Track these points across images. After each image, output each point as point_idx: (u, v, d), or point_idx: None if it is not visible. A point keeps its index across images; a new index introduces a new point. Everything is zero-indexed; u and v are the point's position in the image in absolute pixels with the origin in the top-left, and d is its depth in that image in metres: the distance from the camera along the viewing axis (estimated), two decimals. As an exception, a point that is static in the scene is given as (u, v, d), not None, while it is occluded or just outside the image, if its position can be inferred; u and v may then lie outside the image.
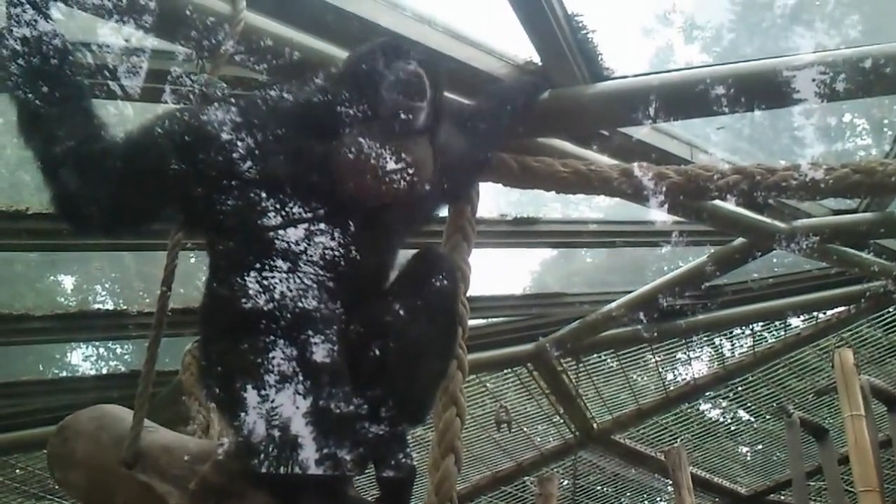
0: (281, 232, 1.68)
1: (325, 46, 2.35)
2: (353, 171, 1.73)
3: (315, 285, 1.64)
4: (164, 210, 1.79)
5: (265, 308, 1.57)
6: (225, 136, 1.71)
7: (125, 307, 4.09)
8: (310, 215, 1.71)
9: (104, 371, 10.48)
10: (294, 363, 1.54)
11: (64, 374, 9.89)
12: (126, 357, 10.14)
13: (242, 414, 1.51)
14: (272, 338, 1.55)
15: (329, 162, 1.74)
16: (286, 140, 1.74)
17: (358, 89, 1.83)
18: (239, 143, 1.71)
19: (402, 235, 1.99)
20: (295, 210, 1.71)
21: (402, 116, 1.80)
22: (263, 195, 1.69)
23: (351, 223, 1.75)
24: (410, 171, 1.78)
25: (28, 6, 1.69)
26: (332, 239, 1.72)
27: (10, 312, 3.88)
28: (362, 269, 1.76)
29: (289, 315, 1.58)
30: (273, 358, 1.53)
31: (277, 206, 1.69)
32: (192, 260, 1.79)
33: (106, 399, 1.98)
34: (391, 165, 1.76)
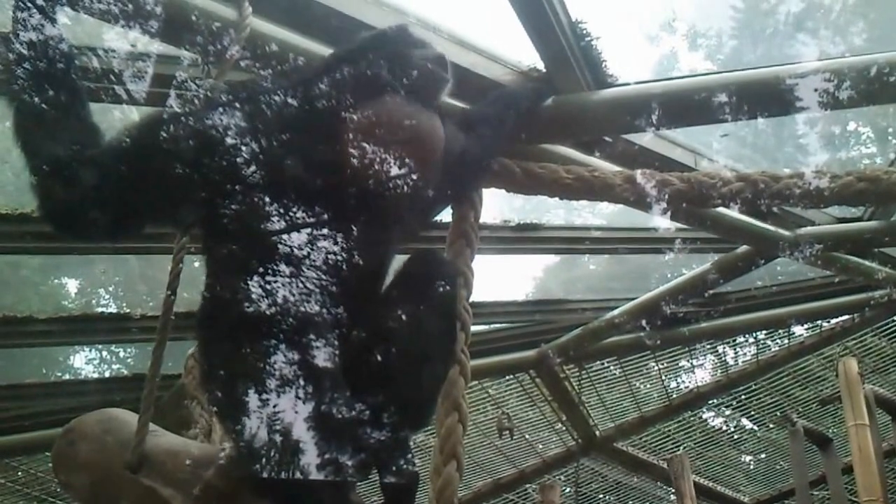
0: (282, 234, 1.67)
1: (330, 52, 2.36)
2: (377, 138, 1.76)
3: (314, 288, 1.64)
4: (169, 213, 1.80)
5: (264, 312, 1.57)
6: (222, 135, 1.69)
7: (129, 311, 4.09)
8: (311, 217, 1.71)
9: (107, 374, 10.51)
10: (293, 367, 1.53)
11: (67, 377, 9.90)
12: (129, 360, 10.15)
13: (241, 419, 1.51)
14: (271, 342, 1.54)
15: (344, 138, 1.75)
16: (288, 133, 1.73)
17: (381, 63, 1.86)
18: (239, 139, 1.69)
19: (402, 237, 1.99)
20: (296, 211, 1.70)
21: (434, 86, 1.90)
22: (264, 194, 1.68)
23: (352, 224, 1.74)
24: (426, 143, 1.83)
25: (34, 10, 1.70)
26: (333, 242, 1.72)
27: (14, 315, 3.88)
28: (360, 271, 1.75)
29: (287, 319, 1.57)
30: (272, 362, 1.53)
31: (277, 206, 1.68)
32: (197, 264, 1.79)
33: (109, 402, 1.98)
34: (411, 135, 1.80)
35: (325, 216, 1.72)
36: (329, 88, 1.81)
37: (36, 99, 1.66)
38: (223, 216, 1.66)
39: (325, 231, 1.71)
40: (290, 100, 1.78)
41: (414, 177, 1.80)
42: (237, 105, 1.74)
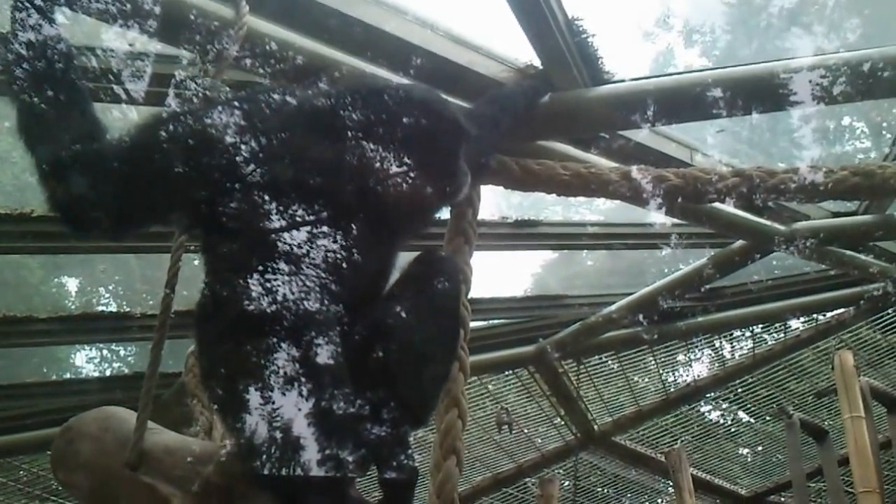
0: (283, 233, 1.68)
1: (328, 51, 2.37)
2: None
3: (316, 287, 1.64)
4: (171, 212, 1.81)
5: (265, 310, 1.57)
6: (229, 137, 1.71)
7: (129, 309, 4.10)
8: (311, 216, 1.72)
9: (108, 373, 10.52)
10: (292, 365, 1.54)
11: (68, 375, 9.89)
12: (129, 359, 10.16)
13: (241, 416, 1.52)
14: (270, 340, 1.55)
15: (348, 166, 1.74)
16: (293, 138, 1.74)
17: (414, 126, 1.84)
18: (244, 144, 1.71)
19: (404, 238, 2.00)
20: (296, 211, 1.71)
21: (453, 186, 1.91)
22: (265, 194, 1.68)
23: (353, 225, 1.76)
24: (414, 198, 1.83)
25: (33, 10, 1.71)
26: (334, 241, 1.73)
27: (14, 314, 3.89)
28: (363, 270, 1.77)
29: (286, 317, 1.58)
30: (271, 360, 1.54)
31: (278, 206, 1.69)
32: (196, 262, 1.80)
33: (110, 401, 1.99)
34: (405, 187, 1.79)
35: (326, 217, 1.73)
36: (347, 108, 1.81)
37: (39, 95, 1.67)
38: (225, 216, 1.67)
39: (324, 230, 1.72)
40: (301, 107, 1.79)
41: (417, 183, 1.81)
42: (248, 110, 1.75)
